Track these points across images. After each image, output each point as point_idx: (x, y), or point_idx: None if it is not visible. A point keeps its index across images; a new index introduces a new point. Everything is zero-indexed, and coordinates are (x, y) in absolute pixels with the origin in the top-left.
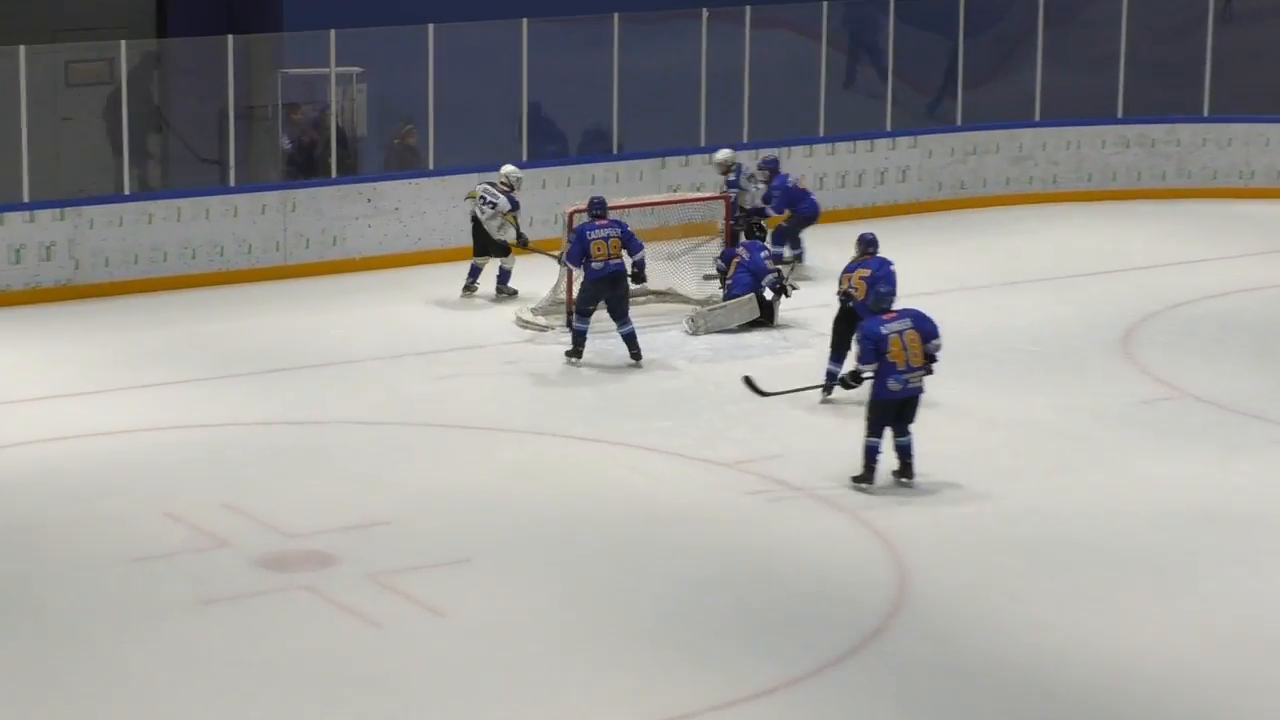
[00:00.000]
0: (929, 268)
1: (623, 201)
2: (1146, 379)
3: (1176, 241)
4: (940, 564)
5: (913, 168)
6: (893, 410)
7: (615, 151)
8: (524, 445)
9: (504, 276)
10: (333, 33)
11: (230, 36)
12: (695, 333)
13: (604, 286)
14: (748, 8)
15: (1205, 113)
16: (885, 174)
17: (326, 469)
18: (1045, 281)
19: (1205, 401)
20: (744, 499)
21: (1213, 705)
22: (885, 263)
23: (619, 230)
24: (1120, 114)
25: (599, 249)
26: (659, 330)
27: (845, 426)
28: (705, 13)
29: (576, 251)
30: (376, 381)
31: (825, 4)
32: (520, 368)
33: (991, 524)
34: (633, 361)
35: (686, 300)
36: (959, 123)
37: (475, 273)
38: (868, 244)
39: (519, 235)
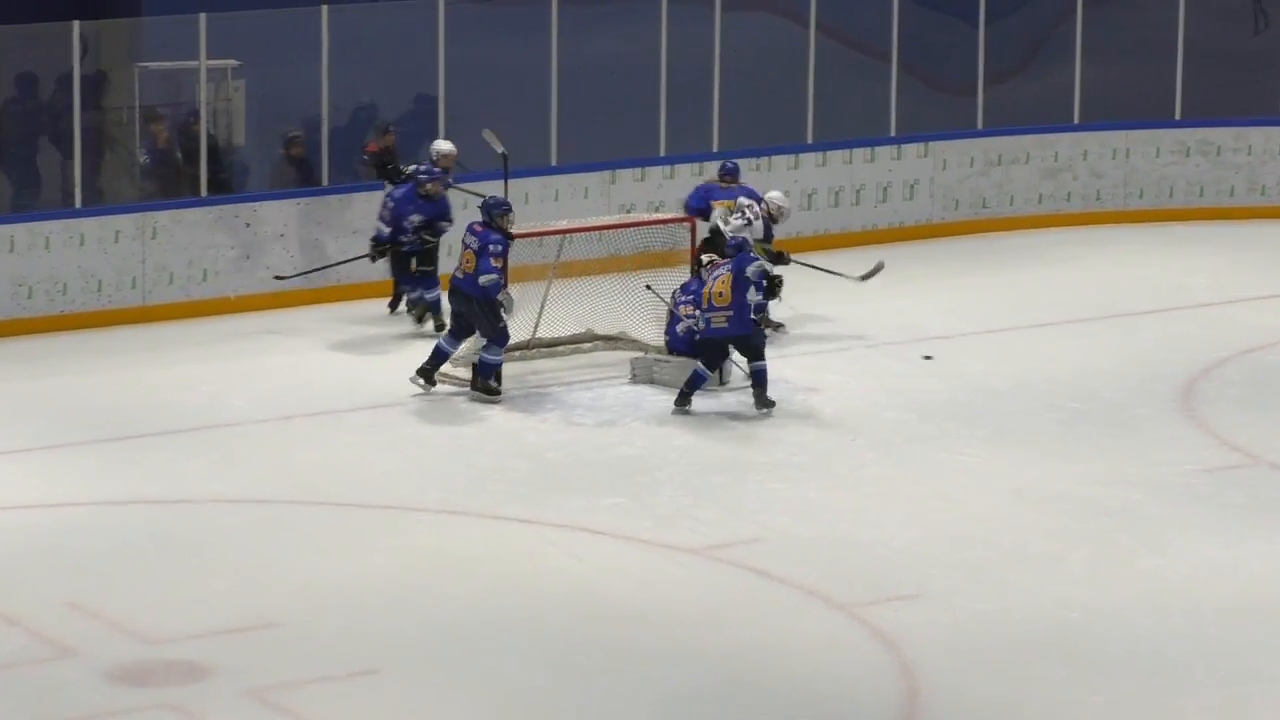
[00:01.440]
0: (943, 305)
1: (563, 225)
2: (1213, 442)
3: (1248, 272)
4: (958, 673)
5: (923, 182)
6: (705, 348)
7: (553, 163)
8: (442, 528)
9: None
10: (203, 18)
11: (76, 23)
12: (635, 381)
13: (453, 301)
14: None
15: None
16: (889, 190)
17: (196, 559)
18: (1087, 322)
19: None
20: (716, 594)
21: None
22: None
23: (478, 241)
24: (1178, 115)
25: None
26: (609, 384)
27: (833, 504)
28: None
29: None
30: (258, 450)
31: None
32: (436, 432)
33: (1021, 623)
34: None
35: (643, 348)
36: (980, 126)
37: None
38: (735, 173)
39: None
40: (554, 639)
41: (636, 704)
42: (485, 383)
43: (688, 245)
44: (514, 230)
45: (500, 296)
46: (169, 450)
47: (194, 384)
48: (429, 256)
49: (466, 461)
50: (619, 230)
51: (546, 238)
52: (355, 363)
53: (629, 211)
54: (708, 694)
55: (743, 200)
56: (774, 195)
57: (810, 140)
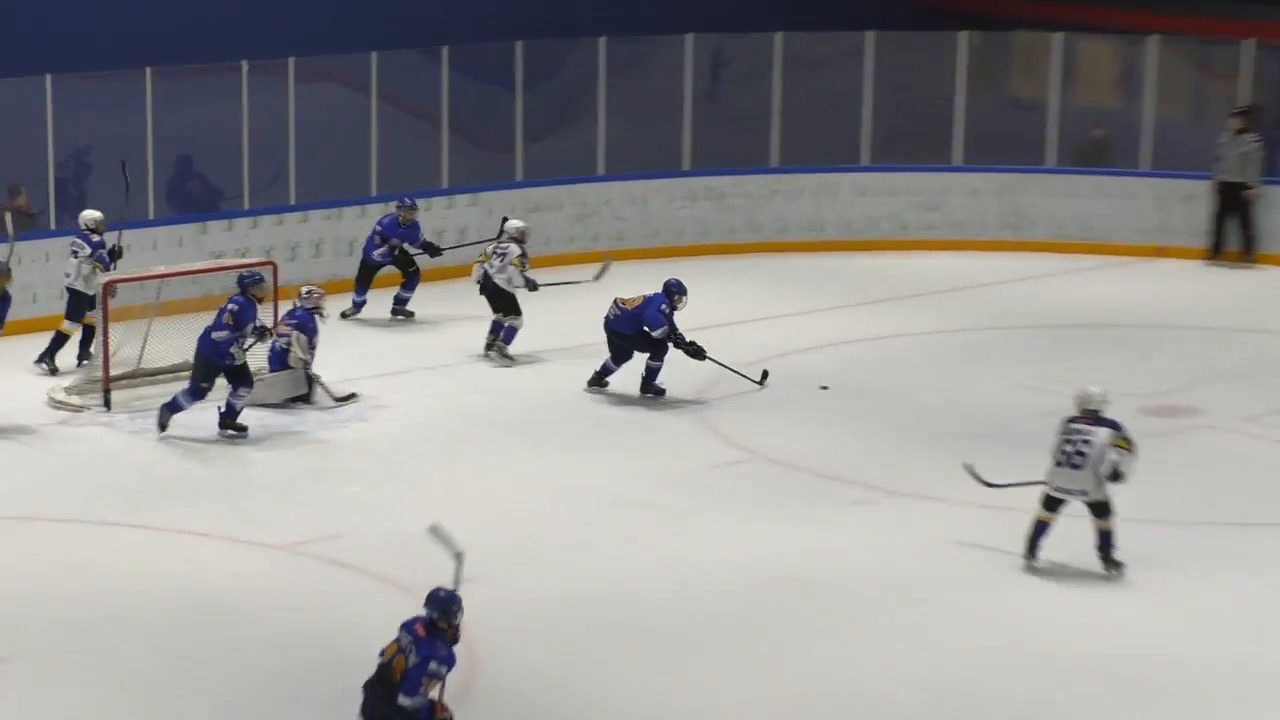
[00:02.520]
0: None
1: (160, 270)
2: (719, 442)
3: (749, 299)
4: (514, 647)
5: (472, 226)
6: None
7: (151, 217)
8: (62, 535)
9: (510, 336)
10: None
11: None
12: None
13: None
14: (291, 60)
15: (774, 163)
16: (443, 235)
17: None
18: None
19: (780, 464)
20: (301, 584)
21: None
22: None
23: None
24: (687, 166)
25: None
26: (208, 406)
27: (403, 503)
28: (245, 65)
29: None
30: None
31: (374, 55)
32: (54, 452)
33: (564, 601)
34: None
35: None
36: (520, 178)
37: (498, 329)
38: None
39: (529, 281)
40: (162, 629)
41: (238, 679)
42: (233, 423)
43: (270, 284)
44: (121, 276)
45: (232, 350)
46: None
47: None
48: None
49: (82, 476)
50: (210, 273)
51: (147, 281)
52: None
53: (219, 257)
54: (295, 671)
55: (489, 248)
56: (513, 223)
57: (374, 193)
